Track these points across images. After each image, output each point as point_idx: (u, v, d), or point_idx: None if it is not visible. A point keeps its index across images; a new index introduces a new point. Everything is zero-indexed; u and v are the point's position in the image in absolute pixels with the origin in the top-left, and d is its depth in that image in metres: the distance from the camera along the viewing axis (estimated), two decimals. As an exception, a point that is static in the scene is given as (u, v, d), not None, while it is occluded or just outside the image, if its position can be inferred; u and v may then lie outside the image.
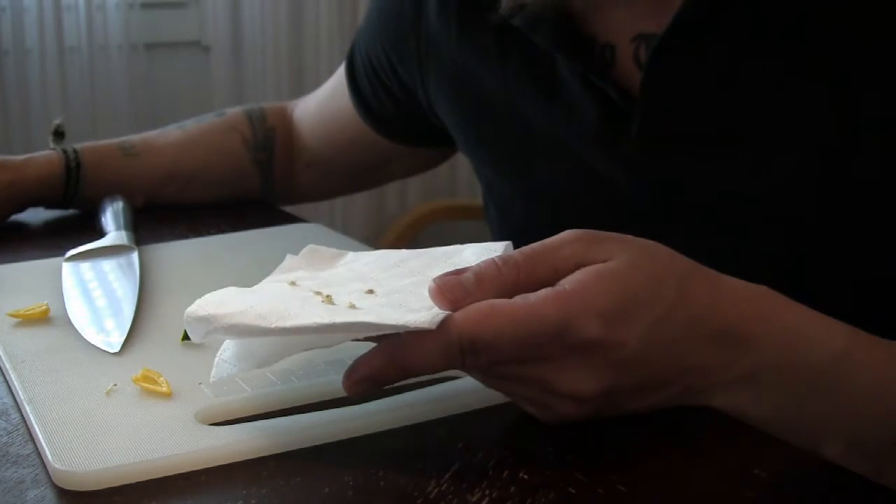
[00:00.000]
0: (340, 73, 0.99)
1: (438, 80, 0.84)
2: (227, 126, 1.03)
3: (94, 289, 0.74)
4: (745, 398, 0.52)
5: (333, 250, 0.64)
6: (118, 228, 0.86)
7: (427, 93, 0.87)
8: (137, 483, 0.51)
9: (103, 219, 0.90)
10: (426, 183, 2.73)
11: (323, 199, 1.20)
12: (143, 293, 0.73)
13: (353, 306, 0.54)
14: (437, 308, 0.50)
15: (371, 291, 0.57)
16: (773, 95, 0.66)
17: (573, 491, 0.51)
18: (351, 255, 0.64)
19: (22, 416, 0.58)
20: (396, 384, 0.60)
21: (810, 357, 0.51)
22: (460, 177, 2.77)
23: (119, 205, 0.92)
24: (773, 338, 0.51)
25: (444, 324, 0.48)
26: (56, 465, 0.51)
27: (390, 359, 0.50)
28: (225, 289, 0.56)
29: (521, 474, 0.52)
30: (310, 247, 0.64)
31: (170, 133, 1.04)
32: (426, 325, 0.48)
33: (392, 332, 0.50)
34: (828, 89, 0.64)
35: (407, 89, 0.89)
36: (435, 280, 0.51)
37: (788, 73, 0.65)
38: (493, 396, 0.59)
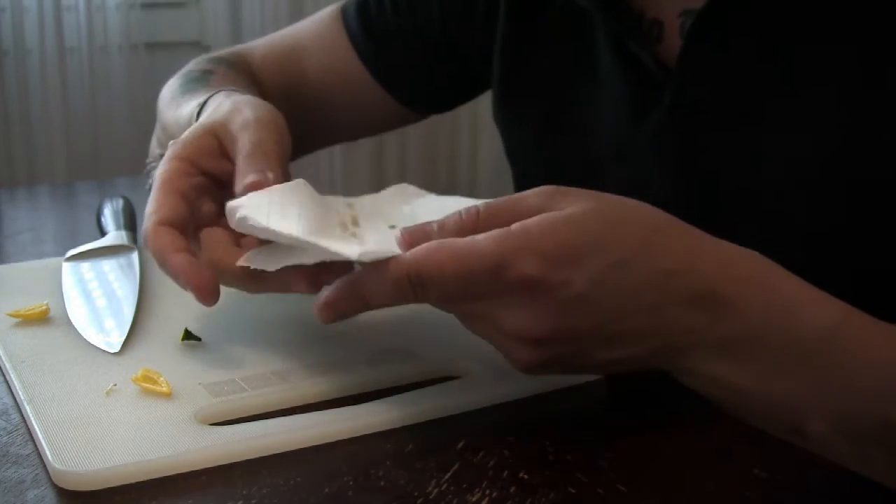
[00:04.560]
0: (322, 21, 0.94)
1: (492, 47, 0.84)
2: (255, 93, 0.91)
3: (94, 289, 0.74)
4: (724, 366, 0.51)
5: (422, 191, 0.67)
6: (118, 228, 0.86)
7: (487, 55, 0.86)
8: (137, 483, 0.51)
9: (103, 219, 0.90)
10: (426, 183, 2.71)
11: None
12: (143, 293, 0.73)
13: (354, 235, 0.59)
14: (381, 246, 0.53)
15: (393, 227, 0.59)
16: (809, 76, 0.65)
17: (573, 491, 0.51)
18: (431, 196, 0.66)
19: (22, 416, 0.58)
20: (395, 385, 0.60)
21: (798, 327, 0.50)
22: (460, 177, 2.77)
23: (119, 205, 0.91)
24: (760, 303, 0.50)
25: (396, 259, 0.52)
26: (56, 465, 0.51)
27: (350, 288, 0.54)
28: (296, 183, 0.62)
29: (521, 474, 0.52)
30: (407, 185, 0.67)
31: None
32: (352, 257, 0.52)
33: (330, 258, 0.54)
34: (862, 74, 0.63)
35: (448, 42, 0.88)
36: (402, 230, 0.54)
37: (827, 55, 0.65)
38: (492, 396, 0.59)
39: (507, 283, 0.49)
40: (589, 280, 0.49)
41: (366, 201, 0.65)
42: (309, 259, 0.55)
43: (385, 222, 0.61)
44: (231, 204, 0.60)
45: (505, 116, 0.85)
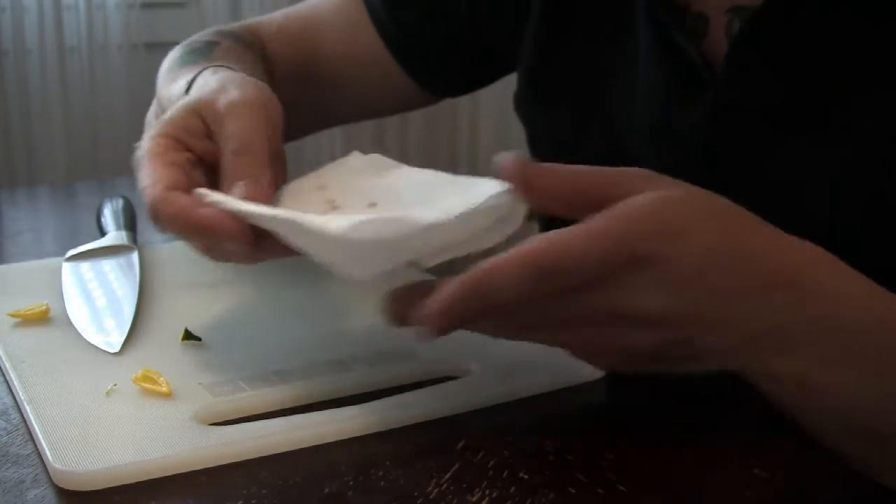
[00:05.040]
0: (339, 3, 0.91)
1: (521, 32, 0.82)
2: (262, 69, 0.84)
3: (94, 289, 0.74)
4: (804, 357, 0.50)
5: (395, 162, 0.62)
6: (118, 228, 0.86)
7: (506, 39, 0.84)
8: (137, 483, 0.51)
9: (103, 219, 0.90)
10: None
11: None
12: (143, 293, 0.73)
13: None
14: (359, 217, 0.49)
15: (374, 205, 0.56)
16: (859, 84, 0.65)
17: (573, 491, 0.51)
18: (407, 168, 0.61)
19: (22, 416, 0.58)
20: (395, 385, 0.60)
21: (877, 317, 0.51)
22: (460, 171, 2.77)
23: (119, 205, 0.92)
24: (833, 284, 0.51)
25: (524, 249, 0.48)
26: (56, 465, 0.51)
27: (474, 286, 0.48)
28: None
29: (521, 474, 0.52)
30: (376, 156, 0.63)
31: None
32: (339, 232, 0.48)
33: (304, 237, 0.50)
34: None
35: (474, 23, 0.86)
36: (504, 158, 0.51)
37: (881, 62, 0.64)
38: (492, 396, 0.59)
39: (635, 259, 0.49)
40: (700, 259, 0.49)
41: (337, 176, 0.61)
42: (290, 237, 0.52)
43: (364, 200, 0.57)
44: (200, 190, 0.57)
45: (533, 103, 0.83)
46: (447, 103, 0.95)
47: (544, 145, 0.84)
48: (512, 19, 0.84)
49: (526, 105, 0.84)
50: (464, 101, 2.65)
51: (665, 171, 0.72)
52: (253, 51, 0.86)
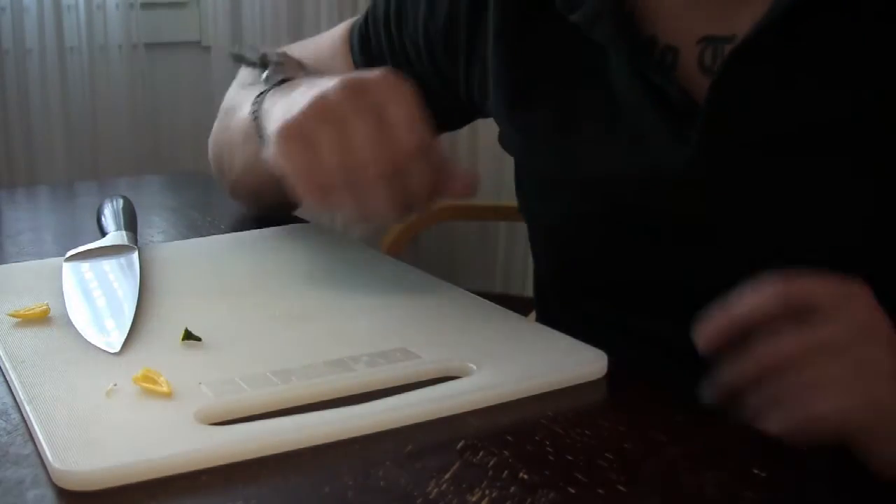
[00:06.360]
0: (333, 40, 0.95)
1: (487, 72, 0.82)
2: None
3: (94, 289, 0.74)
4: None
5: None
6: (118, 228, 0.86)
7: (471, 85, 0.85)
8: (137, 483, 0.51)
9: (103, 219, 0.90)
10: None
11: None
12: (143, 293, 0.73)
13: None
14: None
15: None
16: (846, 104, 0.65)
17: (573, 491, 0.51)
18: None
19: (22, 416, 0.58)
20: (395, 385, 0.60)
21: None
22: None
23: (119, 205, 0.92)
24: None
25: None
26: (56, 465, 0.51)
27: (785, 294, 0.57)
28: None
29: (521, 474, 0.52)
30: None
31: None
32: None
33: None
34: None
35: (441, 76, 0.87)
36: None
37: (861, 83, 0.65)
38: (492, 396, 0.59)
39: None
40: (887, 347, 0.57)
41: None
42: None
43: None
44: None
45: (511, 140, 0.83)
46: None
47: (530, 177, 0.84)
48: (464, 65, 0.84)
49: (506, 141, 0.84)
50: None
51: (655, 206, 0.72)
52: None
